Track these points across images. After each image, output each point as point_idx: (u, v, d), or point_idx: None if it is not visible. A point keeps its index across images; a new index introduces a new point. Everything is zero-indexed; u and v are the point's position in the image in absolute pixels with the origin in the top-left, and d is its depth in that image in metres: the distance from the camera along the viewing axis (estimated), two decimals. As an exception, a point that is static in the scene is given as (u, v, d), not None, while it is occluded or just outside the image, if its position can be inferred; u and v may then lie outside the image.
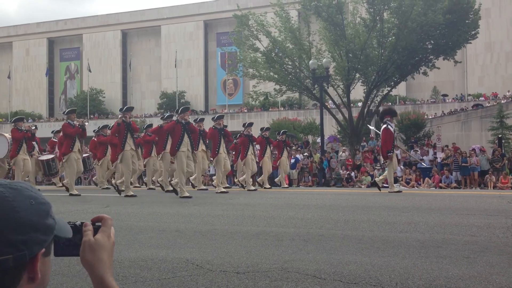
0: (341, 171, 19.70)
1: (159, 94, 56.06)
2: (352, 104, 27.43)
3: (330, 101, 31.51)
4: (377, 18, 24.13)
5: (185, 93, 55.39)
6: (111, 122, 16.42)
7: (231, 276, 3.33)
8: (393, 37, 24.19)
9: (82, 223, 1.18)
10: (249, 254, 3.99)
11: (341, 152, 21.70)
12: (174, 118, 11.18)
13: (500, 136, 24.22)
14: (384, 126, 11.79)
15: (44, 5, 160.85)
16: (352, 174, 19.27)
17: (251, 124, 14.17)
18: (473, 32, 24.59)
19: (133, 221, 6.16)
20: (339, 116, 27.07)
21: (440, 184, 17.69)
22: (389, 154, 11.53)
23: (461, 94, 47.02)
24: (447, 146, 21.48)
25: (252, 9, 33.09)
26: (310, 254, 3.99)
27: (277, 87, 27.41)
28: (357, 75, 25.69)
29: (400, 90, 41.96)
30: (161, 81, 58.28)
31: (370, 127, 17.94)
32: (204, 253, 4.06)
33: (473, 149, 19.71)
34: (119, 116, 11.66)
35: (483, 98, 42.51)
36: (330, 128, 31.09)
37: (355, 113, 27.12)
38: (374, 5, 24.03)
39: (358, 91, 30.42)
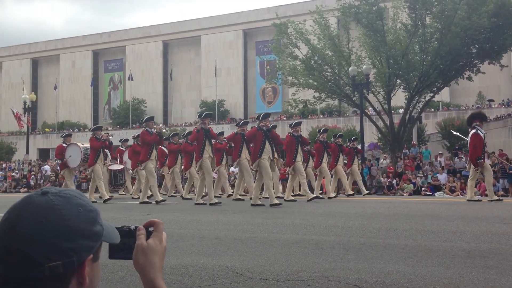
0: (382, 178, 19.36)
1: (199, 103, 56.81)
2: (393, 111, 26.97)
3: (370, 108, 31.11)
4: (419, 23, 23.68)
5: (225, 102, 55.93)
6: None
7: (271, 284, 3.33)
8: (436, 42, 23.68)
9: (136, 227, 1.22)
10: (289, 262, 3.98)
11: (382, 160, 21.35)
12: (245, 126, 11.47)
13: (550, 142, 23.19)
14: (474, 131, 11.17)
15: (89, 19, 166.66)
16: (394, 181, 18.91)
17: (298, 124, 13.02)
18: (519, 35, 23.73)
19: (174, 228, 6.25)
20: (380, 123, 26.67)
21: (486, 193, 17.08)
22: (479, 161, 10.90)
23: (508, 99, 45.37)
24: (493, 152, 20.75)
25: (291, 17, 33.12)
26: (351, 262, 3.94)
27: (316, 94, 27.29)
28: (398, 81, 25.26)
29: (444, 96, 40.92)
30: (201, 90, 59.08)
31: (454, 133, 17.31)
32: (244, 261, 4.08)
33: (522, 156, 18.93)
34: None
35: (531, 103, 40.89)
36: (371, 135, 30.66)
37: (396, 119, 26.65)
38: (416, 10, 23.60)
39: (399, 98, 29.86)
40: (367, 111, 29.17)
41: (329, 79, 26.39)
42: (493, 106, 42.35)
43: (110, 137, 14.01)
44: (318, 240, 5.08)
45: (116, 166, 14.56)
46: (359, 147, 24.95)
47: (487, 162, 11.75)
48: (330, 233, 5.64)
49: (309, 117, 45.15)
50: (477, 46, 23.71)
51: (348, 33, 25.77)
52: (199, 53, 60.09)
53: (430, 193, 16.99)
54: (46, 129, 58.60)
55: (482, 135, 11.12)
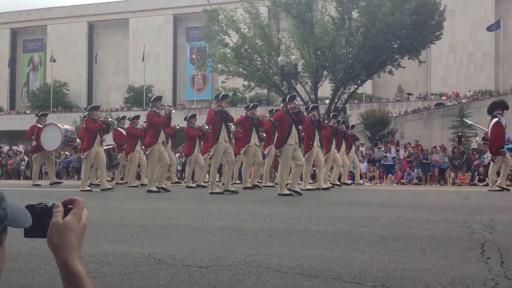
0: (308, 167, 19.89)
1: (126, 88, 55.19)
2: (319, 101, 27.74)
3: (298, 98, 31.75)
4: (346, 16, 24.46)
5: (153, 87, 54.74)
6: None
7: (193, 270, 3.34)
8: (361, 36, 24.58)
9: (53, 204, 1.16)
10: (212, 249, 4.01)
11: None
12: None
13: (460, 134, 24.94)
14: (496, 119, 10.64)
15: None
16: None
17: (255, 106, 12.32)
18: (437, 33, 25.23)
19: (95, 216, 6.07)
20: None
21: (402, 181, 18.12)
22: (501, 150, 10.49)
23: (426, 93, 48.18)
24: (409, 143, 21.99)
25: (223, 4, 32.90)
26: (273, 248, 4.03)
27: (246, 83, 27.45)
28: (325, 72, 26.00)
29: (367, 88, 42.61)
30: (128, 75, 57.37)
31: (468, 122, 17.05)
32: (167, 248, 4.05)
33: (434, 147, 20.24)
34: (215, 104, 10.19)
35: (445, 98, 43.66)
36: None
37: (322, 110, 27.43)
38: (343, 4, 24.35)
39: (325, 89, 30.75)
40: (296, 101, 29.74)
41: (258, 68, 26.64)
42: (411, 100, 44.71)
43: (109, 119, 12.92)
44: (242, 227, 5.15)
45: (106, 146, 13.23)
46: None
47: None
48: (254, 220, 5.74)
49: (238, 105, 45.33)
50: (398, 41, 24.91)
51: (278, 23, 26.12)
52: (127, 36, 58.21)
53: (351, 182, 17.73)
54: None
55: (504, 124, 10.80)
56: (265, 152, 11.94)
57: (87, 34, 59.41)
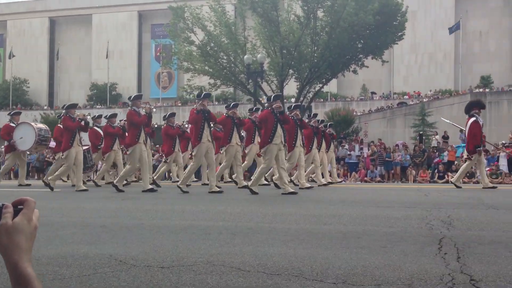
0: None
1: (89, 85, 54.10)
2: (285, 100, 27.90)
3: (264, 96, 31.86)
4: (311, 16, 24.68)
5: (117, 85, 53.85)
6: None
7: (155, 270, 3.30)
8: (326, 36, 24.85)
9: (3, 205, 1.13)
10: (175, 249, 3.97)
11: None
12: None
13: (421, 133, 25.60)
14: (474, 119, 10.90)
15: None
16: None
17: (236, 105, 12.21)
18: (399, 34, 25.77)
19: (55, 216, 5.93)
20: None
21: (365, 178, 18.45)
22: (478, 149, 10.74)
23: (389, 92, 49.18)
24: (373, 142, 22.40)
25: (188, 1, 32.65)
26: (237, 247, 4.03)
27: (212, 81, 27.34)
28: (291, 71, 26.17)
29: (332, 87, 43.17)
30: (91, 72, 56.24)
31: (445, 120, 17.45)
32: (129, 249, 3.99)
33: (397, 145, 20.69)
34: (197, 103, 10.05)
35: (407, 97, 44.70)
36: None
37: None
38: (308, 3, 24.56)
39: (291, 87, 30.97)
40: (261, 99, 29.83)
41: (224, 66, 26.58)
42: (374, 98, 45.57)
43: (88, 117, 12.49)
44: (206, 226, 5.12)
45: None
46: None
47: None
48: (218, 219, 5.72)
49: (204, 103, 45.04)
50: (362, 41, 25.33)
51: (244, 21, 26.13)
52: (90, 33, 57.04)
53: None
54: None
55: (481, 123, 11.02)
56: (246, 151, 11.85)
57: (48, 30, 57.91)
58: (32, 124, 13.19)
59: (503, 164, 18.02)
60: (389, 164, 19.17)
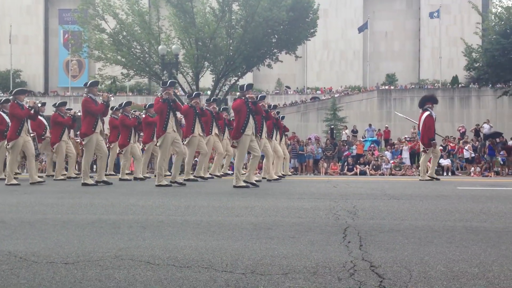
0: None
1: (-11, 71, 50.18)
2: (201, 92, 27.74)
3: (179, 88, 31.46)
4: (226, 8, 24.71)
5: (21, 72, 50.47)
6: None
7: (58, 267, 3.16)
8: (241, 29, 25.02)
9: None
10: (81, 244, 3.82)
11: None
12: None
13: (332, 127, 26.67)
14: (427, 113, 11.36)
15: None
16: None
17: (198, 95, 12.04)
18: (312, 30, 26.59)
19: None
20: (188, 104, 27.19)
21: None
22: (432, 142, 11.21)
23: (303, 86, 50.66)
24: (286, 135, 22.92)
25: (99, -14, 31.30)
26: (147, 240, 3.96)
27: (125, 71, 26.51)
28: (206, 63, 26.06)
29: (247, 80, 43.54)
30: (-8, 57, 52.16)
31: (399, 114, 17.56)
32: (30, 245, 3.78)
33: (310, 138, 21.40)
34: (162, 91, 9.58)
35: (320, 92, 46.33)
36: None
37: (203, 101, 27.48)
38: (223, -4, 24.56)
39: (207, 79, 30.85)
40: (176, 91, 29.45)
41: (138, 56, 25.88)
42: (289, 93, 46.72)
43: (39, 104, 11.05)
44: (115, 220, 4.98)
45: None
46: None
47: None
48: (129, 212, 5.58)
49: (117, 94, 43.59)
50: (276, 36, 25.82)
51: (158, 11, 25.56)
52: (-10, 15, 52.81)
53: (232, 172, 18.06)
54: None
55: (434, 117, 11.43)
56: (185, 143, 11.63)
57: None
58: None
59: (405, 157, 19.31)
60: (302, 157, 19.78)
